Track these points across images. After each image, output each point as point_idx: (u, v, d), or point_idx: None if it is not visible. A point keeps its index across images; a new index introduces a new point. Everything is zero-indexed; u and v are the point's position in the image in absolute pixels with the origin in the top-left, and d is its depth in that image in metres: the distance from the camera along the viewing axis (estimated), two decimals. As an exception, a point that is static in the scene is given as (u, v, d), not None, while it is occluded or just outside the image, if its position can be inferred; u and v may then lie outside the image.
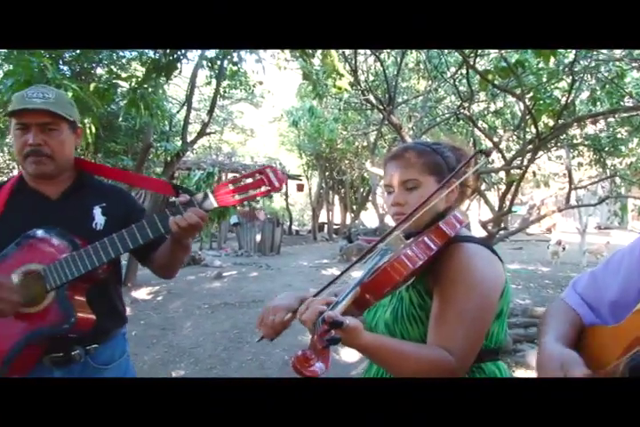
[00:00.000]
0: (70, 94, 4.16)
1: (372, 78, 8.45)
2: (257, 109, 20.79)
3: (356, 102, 9.50)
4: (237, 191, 1.54)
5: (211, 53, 6.86)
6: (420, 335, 1.28)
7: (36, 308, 1.56)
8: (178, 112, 11.17)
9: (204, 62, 7.21)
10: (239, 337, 5.83)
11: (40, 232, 1.61)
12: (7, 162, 12.76)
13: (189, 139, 8.60)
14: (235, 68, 7.80)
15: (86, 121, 4.76)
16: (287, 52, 4.60)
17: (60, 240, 1.59)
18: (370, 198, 19.87)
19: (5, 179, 1.86)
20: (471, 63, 4.14)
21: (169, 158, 8.73)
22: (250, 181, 1.54)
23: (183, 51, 5.12)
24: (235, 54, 5.95)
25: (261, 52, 6.70)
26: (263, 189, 1.54)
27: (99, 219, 1.76)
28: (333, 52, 4.22)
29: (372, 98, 5.79)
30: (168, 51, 5.00)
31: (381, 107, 5.66)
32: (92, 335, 1.68)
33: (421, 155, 1.37)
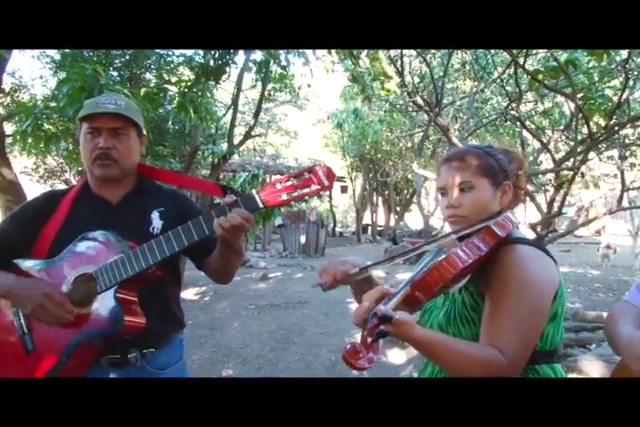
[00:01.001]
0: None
1: (417, 80, 8.38)
2: (301, 112, 20.99)
3: (401, 104, 9.45)
4: (285, 191, 1.47)
5: (258, 57, 6.93)
6: (472, 336, 1.29)
7: (87, 309, 1.57)
8: (224, 115, 11.34)
9: (251, 65, 7.29)
10: (286, 338, 5.88)
11: (95, 235, 1.63)
12: (60, 165, 13.16)
13: (235, 141, 8.70)
14: (282, 71, 7.86)
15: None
16: (334, 54, 4.58)
17: (113, 243, 1.60)
18: (414, 200, 19.74)
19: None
20: (520, 63, 4.07)
21: (215, 161, 8.85)
22: (299, 179, 1.48)
23: (232, 54, 5.18)
24: (282, 57, 5.99)
25: (310, 55, 6.71)
26: (313, 187, 1.47)
27: (156, 223, 1.78)
28: (381, 54, 4.21)
29: (419, 100, 5.75)
30: (217, 55, 5.07)
31: (428, 109, 5.61)
32: (148, 339, 1.68)
33: (475, 158, 1.39)
